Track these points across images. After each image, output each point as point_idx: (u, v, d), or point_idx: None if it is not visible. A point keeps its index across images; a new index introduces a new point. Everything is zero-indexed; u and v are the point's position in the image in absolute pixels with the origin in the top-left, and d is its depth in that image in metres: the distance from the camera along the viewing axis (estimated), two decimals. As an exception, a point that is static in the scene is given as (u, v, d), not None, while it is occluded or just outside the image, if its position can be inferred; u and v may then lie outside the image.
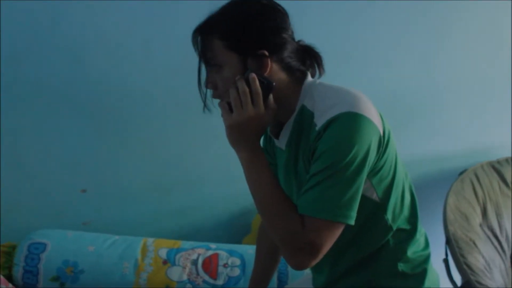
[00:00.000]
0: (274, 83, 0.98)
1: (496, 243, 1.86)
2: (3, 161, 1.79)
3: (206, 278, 1.74)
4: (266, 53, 0.98)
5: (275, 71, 1.01)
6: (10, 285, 1.62)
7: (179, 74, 1.83)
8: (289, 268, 1.78)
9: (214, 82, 1.03)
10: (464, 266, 1.61)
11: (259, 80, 0.97)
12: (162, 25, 1.79)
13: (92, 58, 1.77)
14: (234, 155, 1.02)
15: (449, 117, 2.23)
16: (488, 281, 1.59)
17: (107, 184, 1.96)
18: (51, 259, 1.71)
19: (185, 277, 1.74)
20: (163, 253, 1.80)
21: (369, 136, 0.95)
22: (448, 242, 1.71)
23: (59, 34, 1.72)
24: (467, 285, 1.57)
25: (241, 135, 1.00)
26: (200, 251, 1.82)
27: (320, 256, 0.97)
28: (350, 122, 0.95)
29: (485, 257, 1.71)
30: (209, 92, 1.06)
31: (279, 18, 1.01)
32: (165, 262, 1.77)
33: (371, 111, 0.98)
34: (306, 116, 1.03)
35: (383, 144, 1.00)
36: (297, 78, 1.04)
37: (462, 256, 1.65)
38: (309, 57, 1.07)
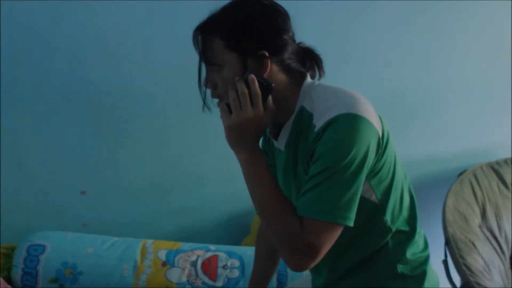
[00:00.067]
0: (273, 85, 0.99)
1: (495, 244, 1.87)
2: (3, 162, 1.80)
3: (206, 279, 1.75)
4: (266, 53, 0.99)
5: (275, 72, 1.02)
6: (9, 287, 1.64)
7: (179, 74, 1.84)
8: (289, 269, 1.79)
9: (214, 82, 1.04)
10: (464, 267, 1.62)
11: (258, 82, 0.98)
12: (162, 25, 1.80)
13: (92, 58, 1.78)
14: (233, 156, 1.04)
15: (449, 117, 2.23)
16: (488, 282, 1.60)
17: (106, 185, 1.98)
18: (50, 261, 1.71)
19: (184, 279, 1.75)
20: (162, 254, 1.80)
21: (368, 137, 0.95)
22: (447, 243, 1.72)
23: (59, 34, 1.73)
24: (467, 286, 1.58)
25: (240, 136, 1.00)
26: (200, 252, 1.83)
27: (319, 257, 0.96)
28: (349, 124, 0.95)
29: (484, 258, 1.72)
30: (209, 91, 1.07)
31: (280, 19, 1.02)
32: (164, 263, 1.78)
33: (370, 112, 0.98)
34: (305, 117, 1.03)
35: (382, 145, 1.00)
36: (297, 79, 1.05)
37: (461, 257, 1.65)
38: (309, 59, 1.08)
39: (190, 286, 1.73)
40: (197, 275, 1.75)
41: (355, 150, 0.93)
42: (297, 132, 1.04)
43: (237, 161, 1.03)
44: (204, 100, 1.07)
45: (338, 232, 0.97)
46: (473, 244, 1.74)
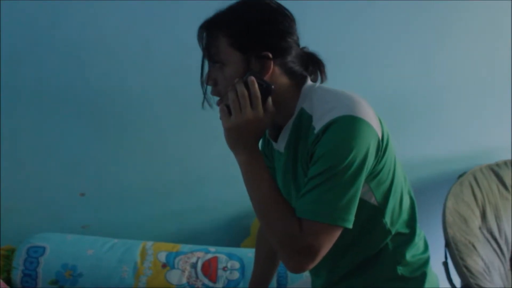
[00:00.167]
0: (273, 87, 1.00)
1: (495, 246, 1.88)
2: (2, 163, 1.81)
3: (206, 281, 1.76)
4: (270, 55, 1.01)
5: (277, 75, 1.03)
6: (9, 288, 1.62)
7: (179, 74, 1.86)
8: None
9: (215, 79, 1.05)
10: (464, 269, 1.63)
11: (258, 83, 0.99)
12: (162, 25, 1.82)
13: (92, 59, 1.80)
14: (233, 158, 1.06)
15: (448, 117, 2.25)
16: (488, 284, 1.62)
17: (106, 187, 1.99)
18: (50, 263, 1.72)
19: (184, 281, 1.76)
20: (162, 256, 1.82)
21: (367, 139, 0.96)
22: (448, 245, 1.74)
23: (59, 35, 1.75)
24: (467, 288, 1.57)
25: (240, 138, 1.01)
26: (199, 254, 1.85)
27: (318, 259, 0.97)
28: (348, 125, 0.95)
29: (484, 260, 1.73)
30: (209, 88, 1.08)
31: (286, 22, 1.03)
32: (164, 265, 1.79)
33: (369, 114, 0.99)
34: (304, 119, 1.04)
35: (382, 148, 1.01)
36: (298, 82, 1.07)
37: (462, 259, 1.66)
38: (312, 64, 1.10)
39: (190, 288, 1.74)
40: (197, 277, 1.76)
41: (355, 152, 0.94)
42: (296, 134, 1.06)
43: (236, 163, 1.04)
44: (204, 96, 1.08)
45: (337, 234, 0.97)
46: (473, 246, 1.75)
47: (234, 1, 1.04)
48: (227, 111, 1.00)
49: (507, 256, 1.93)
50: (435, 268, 1.25)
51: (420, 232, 1.21)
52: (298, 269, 0.98)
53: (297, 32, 1.05)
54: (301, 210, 0.97)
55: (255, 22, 1.00)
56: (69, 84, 1.79)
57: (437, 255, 1.64)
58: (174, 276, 1.76)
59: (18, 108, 1.78)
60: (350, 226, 0.96)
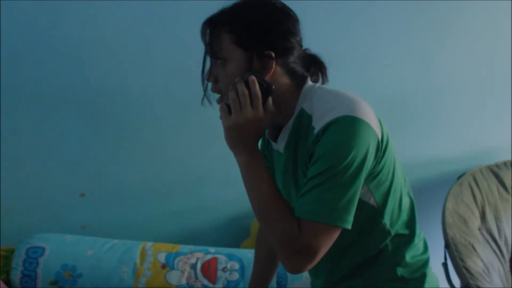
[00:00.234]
0: (273, 87, 1.00)
1: (495, 247, 1.89)
2: (2, 163, 1.82)
3: (205, 282, 1.77)
4: (273, 54, 1.01)
5: (278, 75, 1.04)
6: (8, 289, 1.63)
7: (179, 74, 1.86)
8: (288, 272, 1.77)
9: (216, 76, 1.06)
10: (463, 270, 1.64)
11: (259, 83, 1.00)
12: (162, 25, 1.82)
13: (92, 59, 1.81)
14: (233, 158, 1.07)
15: (448, 117, 2.26)
16: (487, 285, 1.64)
17: (105, 187, 2.00)
18: (50, 263, 1.73)
19: (184, 281, 1.77)
20: (162, 257, 1.82)
21: (367, 140, 0.97)
22: (447, 246, 1.75)
23: (59, 35, 1.76)
24: (466, 289, 1.57)
25: (239, 137, 1.01)
26: (199, 255, 1.86)
27: (317, 259, 0.98)
28: (348, 126, 0.96)
29: (484, 261, 1.73)
30: (210, 86, 1.08)
31: (291, 22, 1.04)
32: (164, 266, 1.80)
33: (369, 115, 0.99)
34: (304, 119, 1.05)
35: (381, 148, 1.02)
36: (299, 83, 1.08)
37: (461, 260, 1.67)
38: (314, 66, 1.11)
39: (189, 289, 1.75)
40: (196, 278, 1.77)
41: (354, 153, 0.94)
42: (296, 134, 1.06)
43: (236, 163, 1.04)
44: (205, 93, 1.08)
45: (336, 234, 0.98)
46: (473, 247, 1.76)
47: (236, 0, 1.04)
48: (227, 110, 1.00)
49: (507, 257, 1.94)
50: (435, 269, 1.26)
51: (420, 233, 1.21)
52: (296, 270, 0.98)
53: (301, 33, 1.05)
54: (300, 210, 0.97)
55: (259, 21, 1.01)
56: (69, 84, 1.80)
57: (436, 256, 1.65)
58: (173, 277, 1.76)
59: (18, 108, 1.78)
60: (349, 226, 0.96)
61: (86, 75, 1.81)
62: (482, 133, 2.33)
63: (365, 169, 0.96)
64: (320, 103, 1.01)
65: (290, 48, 1.02)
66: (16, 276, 1.69)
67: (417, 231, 1.18)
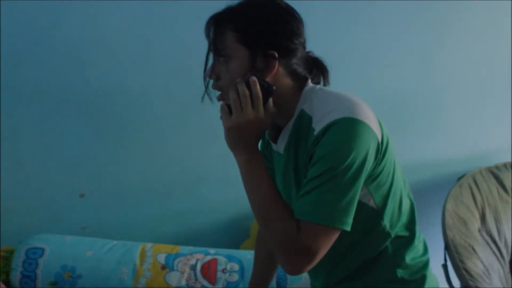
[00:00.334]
0: (274, 87, 0.99)
1: (494, 249, 1.90)
2: (2, 164, 1.81)
3: (205, 283, 1.78)
4: (276, 54, 1.01)
5: (280, 75, 1.04)
6: (8, 290, 1.63)
7: (179, 74, 1.86)
8: (288, 273, 1.77)
9: (218, 73, 1.06)
10: (463, 272, 1.65)
11: (260, 84, 1.00)
12: (162, 25, 1.83)
13: (92, 59, 1.81)
14: (233, 158, 1.08)
15: (448, 117, 2.28)
16: (487, 286, 1.60)
17: (105, 188, 2.00)
18: (49, 264, 1.73)
19: (183, 282, 1.77)
20: (161, 258, 1.83)
21: (367, 142, 0.97)
22: (447, 247, 1.76)
23: (59, 35, 1.76)
24: (466, 291, 1.58)
25: (240, 138, 1.02)
26: (199, 256, 1.86)
27: (316, 261, 0.98)
28: (348, 128, 0.96)
29: (483, 262, 1.74)
30: (211, 84, 1.09)
31: (295, 24, 1.05)
32: (163, 267, 1.80)
33: (369, 117, 1.00)
34: (304, 120, 1.06)
35: (381, 150, 1.03)
36: (300, 84, 1.08)
37: (461, 261, 1.68)
38: (316, 69, 1.11)
39: (189, 290, 1.75)
40: (196, 279, 1.77)
41: (354, 154, 0.95)
42: (296, 135, 1.07)
43: (236, 163, 1.05)
44: (206, 89, 1.09)
45: (335, 236, 0.98)
46: (473, 249, 1.77)
47: (235, 1, 1.05)
48: (227, 110, 1.01)
49: (507, 259, 1.95)
50: (434, 271, 1.27)
51: (420, 234, 1.22)
52: (295, 271, 0.98)
53: (304, 35, 1.06)
54: (300, 211, 0.97)
55: (264, 20, 1.02)
56: (69, 84, 1.81)
57: (436, 258, 1.66)
58: (173, 278, 1.77)
59: (18, 108, 1.79)
60: (348, 228, 0.97)
61: (86, 75, 1.81)
62: (482, 134, 2.34)
63: (364, 171, 0.96)
64: (320, 105, 1.01)
65: (294, 49, 1.03)
66: (15, 277, 1.69)
67: (417, 233, 1.19)
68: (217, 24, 1.03)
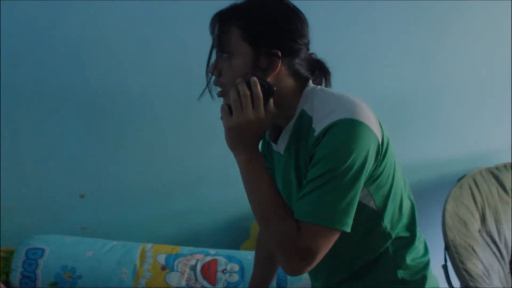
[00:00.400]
0: (275, 88, 0.99)
1: (495, 249, 1.91)
2: (2, 164, 1.81)
3: (205, 284, 1.78)
4: (280, 54, 1.01)
5: (283, 75, 1.04)
6: (8, 290, 1.63)
7: (179, 74, 1.86)
8: (289, 273, 1.77)
9: (220, 69, 1.06)
10: (463, 272, 1.66)
11: (261, 84, 1.00)
12: (162, 25, 1.83)
13: (92, 59, 1.82)
14: (233, 158, 1.08)
15: (448, 117, 2.28)
16: (487, 287, 1.60)
17: (105, 188, 2.00)
18: (49, 265, 1.74)
19: (183, 283, 1.77)
20: (161, 258, 1.83)
21: (367, 143, 0.97)
22: (447, 248, 1.76)
23: (59, 35, 1.77)
24: (466, 291, 1.58)
25: (240, 138, 1.02)
26: (199, 256, 1.86)
27: (315, 262, 0.98)
28: (348, 129, 0.96)
29: (484, 263, 1.75)
30: (213, 81, 1.09)
31: (300, 24, 1.05)
32: (163, 267, 1.80)
33: (370, 118, 1.00)
34: (305, 120, 1.06)
35: (382, 151, 1.03)
36: (302, 85, 1.08)
37: (461, 262, 1.68)
38: (319, 71, 1.11)
39: (189, 290, 1.76)
40: (196, 279, 1.77)
41: (354, 155, 0.95)
42: (297, 135, 1.07)
43: (236, 163, 1.04)
44: (207, 85, 1.08)
45: (335, 237, 0.98)
46: (473, 249, 1.78)
47: (235, 1, 1.05)
48: (228, 110, 1.01)
49: (507, 259, 1.96)
50: (435, 271, 1.28)
51: (420, 235, 1.22)
52: (295, 272, 0.98)
53: (309, 36, 1.06)
54: (300, 212, 0.97)
55: (270, 19, 1.01)
56: (69, 84, 1.81)
57: (436, 258, 1.66)
58: (173, 279, 1.77)
59: (18, 108, 1.79)
60: (348, 229, 0.97)
61: (86, 75, 1.82)
62: (482, 134, 2.34)
63: (365, 172, 0.96)
64: (321, 105, 1.01)
65: (298, 49, 1.03)
66: (15, 277, 1.69)
67: (418, 234, 1.19)
68: (223, 21, 1.03)
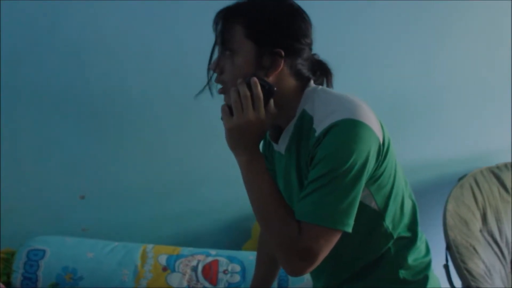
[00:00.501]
0: (275, 88, 0.99)
1: (496, 249, 1.91)
2: (2, 165, 1.80)
3: (206, 284, 1.79)
4: (283, 53, 1.01)
5: (285, 74, 1.04)
6: (9, 291, 1.63)
7: (179, 75, 1.86)
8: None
9: (222, 67, 1.05)
10: (465, 272, 1.66)
11: (261, 85, 1.01)
12: (162, 25, 1.83)
13: (92, 59, 1.82)
14: (234, 159, 1.07)
15: (448, 117, 2.28)
16: (489, 286, 1.60)
17: (106, 189, 2.00)
18: (50, 266, 1.73)
19: (185, 284, 1.77)
20: (162, 259, 1.82)
21: (368, 143, 0.97)
22: (448, 247, 1.77)
23: (59, 35, 1.77)
24: (468, 291, 1.58)
25: (241, 139, 1.02)
26: (200, 257, 1.86)
27: (317, 262, 0.97)
28: (349, 129, 0.96)
29: (485, 262, 1.75)
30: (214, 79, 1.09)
31: (304, 24, 1.04)
32: (164, 268, 1.80)
33: (371, 118, 1.00)
34: (306, 121, 1.06)
35: (383, 152, 1.02)
36: (303, 85, 1.08)
37: (463, 261, 1.68)
38: (321, 71, 1.11)
39: (190, 291, 1.76)
40: (197, 280, 1.77)
41: (355, 156, 0.94)
42: (298, 135, 1.07)
43: (237, 165, 1.04)
44: (208, 83, 1.08)
45: (336, 238, 0.98)
46: (474, 249, 1.77)
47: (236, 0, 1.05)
48: (228, 111, 1.01)
49: (508, 259, 1.96)
50: (436, 271, 1.27)
51: (422, 235, 1.22)
52: (296, 272, 0.98)
53: (312, 37, 1.06)
54: (301, 213, 0.97)
55: (274, 18, 1.01)
56: (69, 84, 1.81)
57: (438, 258, 1.67)
58: (174, 279, 1.76)
59: (18, 108, 1.79)
60: (350, 230, 0.97)
61: (86, 75, 1.82)
62: (483, 134, 2.34)
63: (366, 172, 0.96)
64: (321, 105, 1.01)
65: (300, 49, 1.03)
66: (16, 279, 1.69)
67: (419, 234, 1.19)
68: (227, 18, 1.03)
